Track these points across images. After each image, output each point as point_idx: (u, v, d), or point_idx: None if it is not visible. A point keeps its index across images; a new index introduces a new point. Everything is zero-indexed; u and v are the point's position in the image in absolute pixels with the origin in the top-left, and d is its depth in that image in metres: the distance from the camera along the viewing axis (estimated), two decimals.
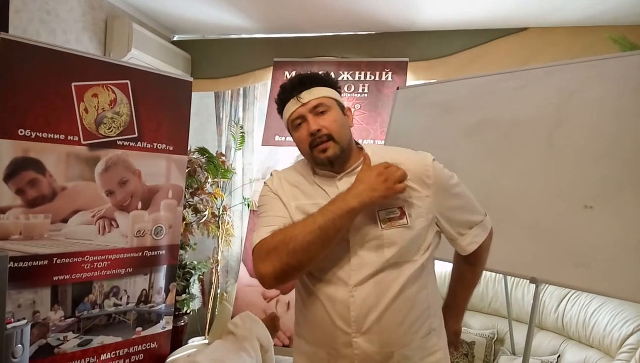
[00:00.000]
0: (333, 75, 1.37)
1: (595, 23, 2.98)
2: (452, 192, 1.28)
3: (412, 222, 1.21)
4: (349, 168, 1.29)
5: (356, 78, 3.41)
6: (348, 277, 1.20)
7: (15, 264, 2.18)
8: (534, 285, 1.90)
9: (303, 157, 1.34)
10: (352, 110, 3.31)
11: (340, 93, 1.33)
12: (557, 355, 2.48)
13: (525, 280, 2.72)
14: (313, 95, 1.26)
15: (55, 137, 2.30)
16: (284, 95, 1.29)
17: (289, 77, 3.50)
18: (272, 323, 2.99)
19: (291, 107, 1.27)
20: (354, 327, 1.19)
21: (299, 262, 1.13)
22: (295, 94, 1.26)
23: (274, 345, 2.96)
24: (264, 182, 1.37)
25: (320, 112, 1.25)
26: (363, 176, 1.17)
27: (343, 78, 3.44)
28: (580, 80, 1.99)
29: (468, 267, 1.41)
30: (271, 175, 1.38)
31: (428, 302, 1.27)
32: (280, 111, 1.33)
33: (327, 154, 1.23)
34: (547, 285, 2.67)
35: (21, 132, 2.20)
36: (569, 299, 2.61)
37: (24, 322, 1.97)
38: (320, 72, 1.33)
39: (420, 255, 1.24)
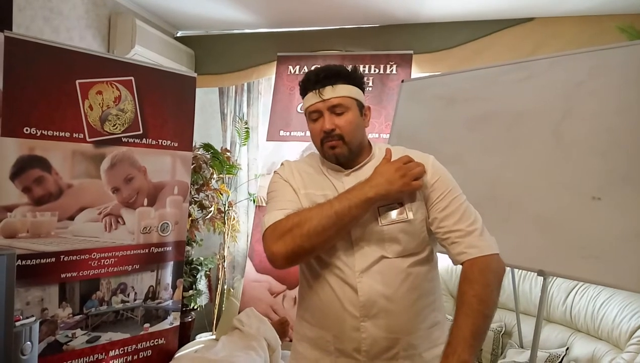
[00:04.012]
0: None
1: (603, 12, 2.94)
2: (446, 194, 1.26)
3: (414, 215, 1.25)
4: (356, 165, 1.32)
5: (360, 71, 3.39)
6: (353, 263, 1.24)
7: (23, 262, 2.19)
8: (542, 277, 1.89)
9: (312, 151, 1.38)
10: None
11: (364, 90, 1.34)
12: (566, 347, 2.47)
13: (532, 273, 2.71)
14: (335, 93, 1.27)
15: (61, 134, 2.31)
16: (307, 85, 1.30)
17: (292, 71, 3.50)
18: (281, 328, 3.00)
19: (311, 99, 1.29)
20: (362, 311, 1.22)
21: (312, 246, 1.17)
22: (317, 88, 1.27)
23: (281, 341, 2.97)
24: (275, 171, 1.41)
25: (338, 113, 1.27)
26: (382, 169, 1.22)
27: None
28: (587, 71, 1.97)
29: (466, 284, 1.18)
30: (282, 164, 1.41)
31: (434, 294, 1.30)
32: (301, 95, 1.34)
33: (335, 152, 1.28)
34: (554, 277, 2.66)
35: (26, 130, 2.20)
36: (577, 291, 2.59)
37: (33, 319, 1.98)
38: (349, 67, 1.32)
39: (424, 248, 1.28)
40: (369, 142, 1.38)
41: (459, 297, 1.19)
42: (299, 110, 3.46)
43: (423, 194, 1.27)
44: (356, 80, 1.31)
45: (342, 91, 1.27)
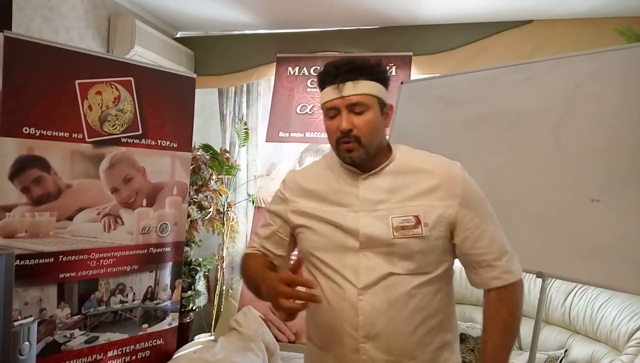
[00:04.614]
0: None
1: (601, 15, 2.95)
2: (477, 211, 1.19)
3: (429, 231, 1.15)
4: (374, 168, 1.22)
5: None
6: (357, 279, 1.16)
7: (22, 262, 2.19)
8: (541, 279, 1.89)
9: (325, 152, 1.35)
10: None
11: (388, 87, 1.23)
12: (564, 349, 2.47)
13: (531, 275, 2.70)
14: (356, 90, 1.16)
15: (60, 134, 2.31)
16: (326, 78, 1.20)
17: (292, 73, 3.50)
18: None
19: (329, 94, 1.19)
20: (362, 331, 1.15)
21: (249, 289, 1.28)
22: (337, 82, 1.17)
23: (279, 342, 2.97)
24: (283, 180, 1.37)
25: (357, 112, 1.17)
26: (270, 283, 1.10)
27: None
28: (586, 73, 1.97)
29: (500, 303, 1.19)
30: (284, 178, 1.36)
31: (442, 315, 1.21)
32: (320, 88, 1.24)
33: (351, 155, 1.19)
34: (553, 279, 2.66)
35: (26, 130, 2.20)
36: (575, 293, 2.59)
37: (31, 319, 1.98)
38: (374, 62, 1.21)
39: (437, 266, 1.19)
40: (388, 143, 1.28)
41: (491, 315, 1.19)
42: (298, 111, 3.46)
43: (448, 211, 1.17)
44: (380, 76, 1.20)
45: (363, 88, 1.16)
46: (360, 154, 1.18)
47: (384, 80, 1.21)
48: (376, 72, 1.19)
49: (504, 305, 1.17)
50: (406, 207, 1.17)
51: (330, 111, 1.20)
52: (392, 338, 1.15)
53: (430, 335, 1.18)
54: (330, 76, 1.18)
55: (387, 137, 1.29)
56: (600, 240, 1.75)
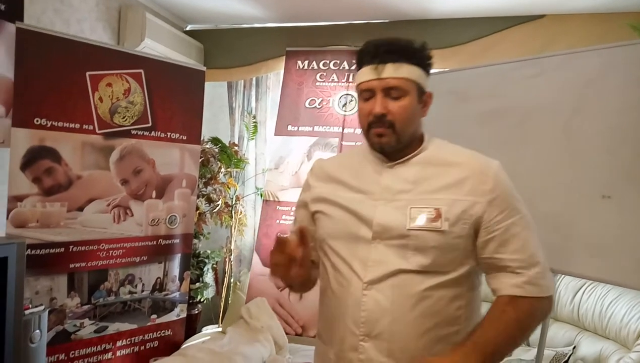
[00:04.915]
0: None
1: (614, 9, 2.91)
2: (509, 213, 1.08)
3: (449, 227, 1.06)
4: (403, 157, 1.15)
5: None
6: (364, 273, 1.09)
7: (33, 252, 2.21)
8: None
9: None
10: None
11: (429, 73, 1.15)
12: (573, 346, 2.45)
13: None
14: (396, 72, 1.08)
15: (71, 126, 2.32)
16: (364, 57, 1.12)
17: (301, 66, 3.49)
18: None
19: (366, 74, 1.11)
20: (363, 329, 1.08)
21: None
22: (376, 62, 1.09)
23: (287, 334, 2.98)
24: (311, 168, 1.33)
25: (394, 96, 1.09)
26: None
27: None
28: (598, 68, 1.95)
29: (511, 307, 1.07)
30: (312, 166, 1.33)
31: (460, 325, 1.10)
32: (357, 67, 1.17)
33: (381, 141, 1.11)
34: (562, 275, 2.65)
35: (37, 121, 2.22)
36: (585, 290, 2.58)
37: (42, 308, 2.00)
38: (416, 44, 1.12)
39: (455, 267, 1.08)
40: (422, 134, 1.19)
41: (494, 313, 1.07)
42: (307, 105, 3.46)
43: (474, 208, 1.07)
44: (422, 60, 1.12)
45: (403, 72, 1.08)
46: (391, 141, 1.11)
47: (426, 66, 1.13)
48: (419, 56, 1.12)
49: (514, 311, 1.05)
50: (428, 199, 1.09)
51: (365, 93, 1.12)
52: (394, 341, 1.06)
53: (441, 344, 1.07)
54: (369, 55, 1.10)
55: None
56: (610, 236, 1.74)
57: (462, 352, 1.00)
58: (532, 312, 1.06)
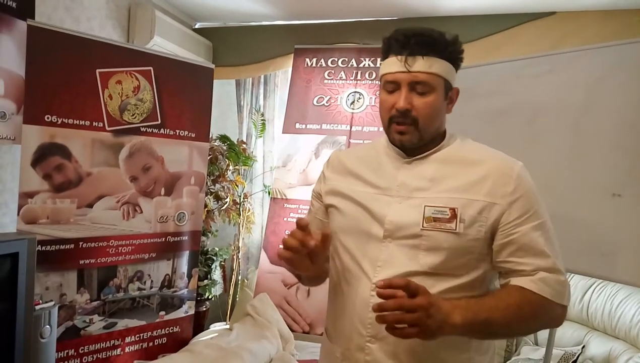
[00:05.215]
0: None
1: (625, 7, 2.88)
2: (530, 218, 1.03)
3: (464, 229, 1.02)
4: (422, 153, 1.11)
5: (378, 65, 3.36)
6: (373, 273, 1.07)
7: (43, 248, 2.23)
8: None
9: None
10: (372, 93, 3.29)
11: (458, 69, 1.10)
12: (582, 345, 2.44)
13: None
14: (425, 67, 1.03)
15: (81, 123, 2.34)
16: (392, 46, 1.06)
17: (309, 64, 3.49)
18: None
19: (392, 65, 1.06)
20: (370, 330, 1.06)
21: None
22: (405, 54, 1.03)
23: (294, 332, 2.99)
24: (327, 159, 1.29)
25: (420, 91, 1.04)
26: None
27: (364, 65, 3.41)
28: (609, 65, 1.93)
29: (512, 287, 1.04)
30: (329, 157, 1.28)
31: None
32: (383, 56, 1.11)
33: (402, 138, 1.08)
34: (572, 274, 2.63)
35: (48, 118, 2.24)
36: (594, 289, 2.56)
37: (52, 303, 2.02)
38: (448, 36, 1.06)
39: (469, 271, 1.05)
40: (445, 130, 1.15)
41: (497, 292, 1.05)
42: (315, 103, 3.46)
43: (492, 210, 1.03)
44: (454, 55, 1.07)
45: (434, 67, 1.03)
46: (413, 139, 1.07)
47: (456, 61, 1.09)
48: (450, 50, 1.06)
49: (520, 298, 0.99)
50: (445, 198, 1.04)
51: (390, 85, 1.07)
52: (400, 344, 1.03)
53: (450, 352, 1.05)
54: (398, 45, 1.04)
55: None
56: (621, 235, 1.72)
57: (452, 304, 0.96)
58: (537, 309, 1.01)
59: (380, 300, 0.93)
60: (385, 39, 1.09)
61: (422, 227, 1.04)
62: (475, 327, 0.96)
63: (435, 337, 0.92)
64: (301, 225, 1.00)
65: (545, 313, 1.02)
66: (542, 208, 1.06)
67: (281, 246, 1.03)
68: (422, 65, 1.03)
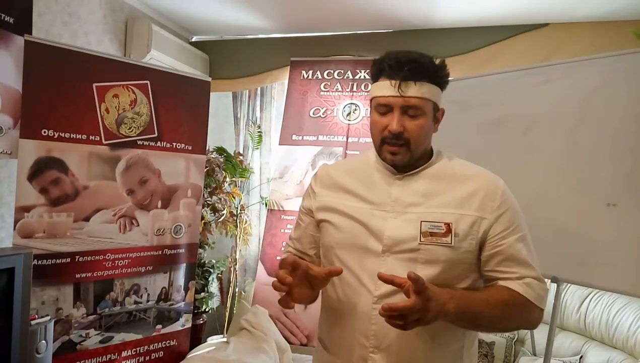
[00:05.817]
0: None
1: (618, 18, 2.91)
2: (513, 231, 1.12)
3: (458, 242, 1.09)
4: (412, 169, 1.17)
5: None
6: (374, 287, 1.11)
7: (39, 262, 2.22)
8: (555, 284, 1.87)
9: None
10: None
11: (444, 90, 1.18)
12: (579, 356, 2.44)
13: (546, 280, 2.68)
14: (417, 92, 1.09)
15: (78, 137, 2.34)
16: (384, 70, 1.12)
17: (305, 76, 3.51)
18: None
19: (385, 89, 1.11)
20: (373, 341, 1.11)
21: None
22: (398, 79, 1.09)
23: (291, 345, 2.98)
24: (315, 173, 1.32)
25: (411, 115, 1.11)
26: None
27: (360, 77, 3.44)
28: (603, 76, 1.95)
29: (499, 285, 1.12)
30: (316, 171, 1.32)
31: (464, 338, 1.16)
32: (373, 77, 1.18)
33: (394, 158, 1.14)
34: (568, 284, 2.63)
35: (44, 132, 2.24)
36: (591, 299, 2.56)
37: (48, 318, 2.01)
38: (438, 63, 1.14)
39: (460, 281, 1.12)
40: (431, 148, 1.23)
41: (494, 291, 1.10)
42: (311, 114, 3.48)
43: (482, 224, 1.11)
44: (441, 79, 1.14)
45: (424, 92, 1.10)
46: (405, 158, 1.13)
47: (444, 84, 1.17)
48: (440, 75, 1.14)
49: (508, 296, 1.08)
50: (439, 213, 1.11)
51: (382, 107, 1.13)
52: (403, 353, 1.10)
53: (447, 358, 1.14)
54: (391, 70, 1.10)
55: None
56: (616, 244, 1.73)
57: (449, 294, 1.03)
58: (521, 310, 1.10)
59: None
60: (376, 61, 1.16)
61: (420, 241, 1.10)
62: (465, 316, 1.05)
63: (432, 323, 1.00)
64: (288, 263, 1.05)
65: (527, 313, 1.11)
66: (523, 222, 1.15)
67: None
68: (415, 90, 1.09)
